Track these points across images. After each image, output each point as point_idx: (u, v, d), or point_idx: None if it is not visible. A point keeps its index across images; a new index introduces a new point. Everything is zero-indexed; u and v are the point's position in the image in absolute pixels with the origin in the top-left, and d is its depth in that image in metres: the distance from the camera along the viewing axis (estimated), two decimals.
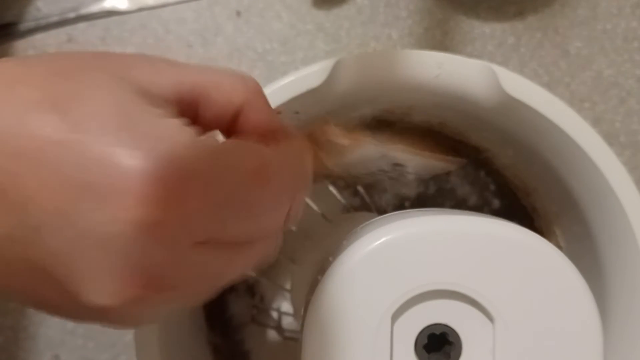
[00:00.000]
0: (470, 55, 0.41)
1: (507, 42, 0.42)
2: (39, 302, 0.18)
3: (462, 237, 0.24)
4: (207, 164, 0.17)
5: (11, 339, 0.41)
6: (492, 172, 0.40)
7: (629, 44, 0.43)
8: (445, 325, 0.24)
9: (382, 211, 0.40)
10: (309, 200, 0.38)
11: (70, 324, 0.41)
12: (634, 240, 0.30)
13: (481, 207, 0.40)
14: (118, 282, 0.16)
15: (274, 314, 0.40)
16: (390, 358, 0.24)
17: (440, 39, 0.42)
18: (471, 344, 0.24)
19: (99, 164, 0.15)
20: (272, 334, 0.40)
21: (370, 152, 0.32)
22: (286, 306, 0.40)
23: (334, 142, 0.31)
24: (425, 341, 0.24)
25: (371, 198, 0.40)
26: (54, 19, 0.42)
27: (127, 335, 0.41)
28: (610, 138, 0.42)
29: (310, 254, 0.36)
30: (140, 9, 0.42)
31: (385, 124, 0.36)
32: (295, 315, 0.39)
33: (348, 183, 0.40)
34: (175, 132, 0.17)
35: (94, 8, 0.42)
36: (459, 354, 0.24)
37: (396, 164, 0.34)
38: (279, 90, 0.29)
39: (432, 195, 0.40)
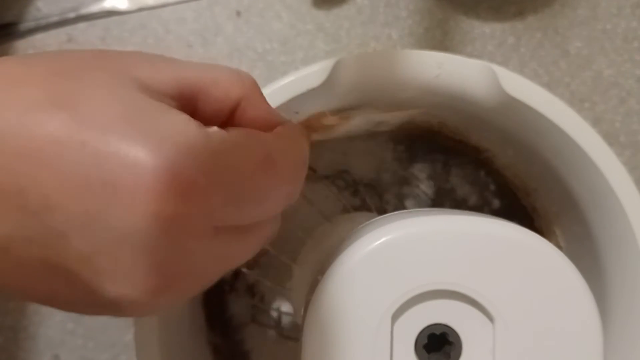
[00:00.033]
0: (470, 55, 0.41)
1: (507, 42, 0.42)
2: (54, 299, 0.18)
3: (462, 237, 0.24)
4: (218, 153, 0.17)
5: (11, 339, 0.41)
6: (492, 172, 0.40)
7: (629, 44, 0.43)
8: (445, 325, 0.24)
9: (382, 211, 0.40)
10: (309, 201, 0.38)
11: (70, 324, 0.41)
12: (634, 241, 0.30)
13: (481, 207, 0.40)
14: (146, 277, 0.16)
15: (274, 314, 0.40)
16: (390, 358, 0.24)
17: (440, 39, 0.42)
18: (471, 344, 0.24)
19: (114, 160, 0.16)
20: (272, 334, 0.40)
21: (358, 121, 0.33)
22: (286, 306, 0.40)
23: (324, 124, 0.32)
24: (425, 341, 0.24)
25: (371, 198, 0.40)
26: (54, 19, 0.42)
27: (127, 335, 0.41)
28: (610, 138, 0.42)
29: (310, 254, 0.36)
30: (140, 9, 0.42)
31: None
32: (295, 315, 0.39)
33: (348, 183, 0.40)
34: (184, 125, 0.17)
35: (94, 8, 0.42)
36: (459, 354, 0.24)
37: (378, 122, 0.35)
38: (279, 90, 0.29)
39: (432, 195, 0.40)
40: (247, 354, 0.40)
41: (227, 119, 0.20)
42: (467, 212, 0.27)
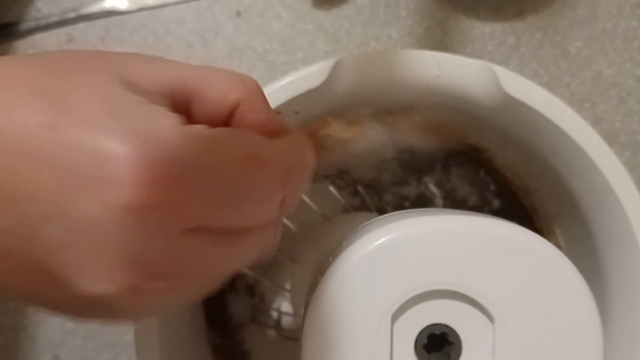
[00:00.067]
0: (470, 55, 0.41)
1: (507, 42, 0.42)
2: (37, 298, 0.18)
3: (462, 237, 0.24)
4: (194, 147, 0.17)
5: (11, 339, 0.41)
6: (492, 172, 0.40)
7: (629, 44, 0.43)
8: (445, 325, 0.24)
9: (382, 211, 0.40)
10: (309, 201, 0.38)
11: (70, 324, 0.41)
12: (634, 241, 0.30)
13: (481, 207, 0.40)
14: (111, 269, 0.16)
15: (274, 314, 0.40)
16: (390, 358, 0.24)
17: (440, 39, 0.42)
18: (471, 344, 0.24)
19: (86, 151, 0.16)
20: (272, 334, 0.40)
21: (374, 140, 0.32)
22: (286, 306, 0.40)
23: (336, 136, 0.31)
24: (425, 341, 0.24)
25: (371, 198, 0.40)
26: (54, 19, 0.42)
27: (127, 335, 0.41)
28: (610, 138, 0.42)
29: (310, 254, 0.36)
30: (140, 9, 0.42)
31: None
32: (295, 315, 0.39)
33: (348, 182, 0.40)
34: (158, 117, 0.17)
35: (94, 8, 0.42)
36: (459, 354, 0.24)
37: (403, 150, 0.34)
38: (279, 90, 0.29)
39: (432, 195, 0.40)
40: (247, 354, 0.40)
41: (225, 122, 0.20)
42: (467, 212, 0.27)
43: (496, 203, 0.40)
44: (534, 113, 0.30)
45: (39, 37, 0.42)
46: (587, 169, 0.30)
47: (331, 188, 0.39)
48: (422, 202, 0.40)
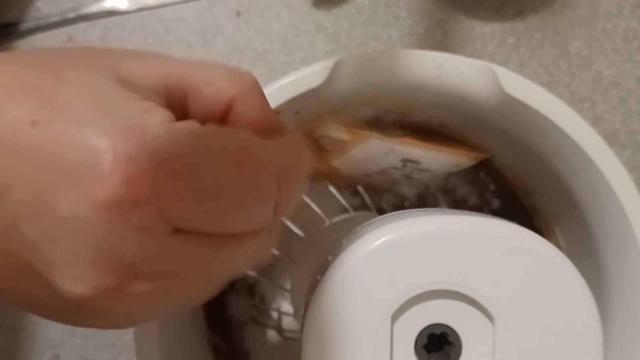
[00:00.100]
0: (470, 55, 0.41)
1: (507, 42, 0.42)
2: (28, 300, 0.17)
3: (462, 237, 0.24)
4: (181, 145, 0.16)
5: (11, 339, 0.41)
6: (492, 172, 0.40)
7: (629, 44, 0.43)
8: (445, 325, 0.24)
9: (382, 211, 0.40)
10: (309, 201, 0.38)
11: None
12: (634, 241, 0.30)
13: (481, 207, 0.40)
14: (91, 268, 0.16)
15: (274, 314, 0.40)
16: (390, 358, 0.24)
17: (440, 39, 0.42)
18: (471, 344, 0.24)
19: (70, 146, 0.15)
20: (272, 334, 0.40)
21: (375, 147, 0.32)
22: (286, 306, 0.40)
23: (334, 137, 0.31)
24: (425, 341, 0.24)
25: (371, 198, 0.40)
26: (54, 19, 0.42)
27: (127, 335, 0.41)
28: (610, 138, 0.42)
29: (310, 254, 0.36)
30: (140, 9, 0.42)
31: (389, 123, 0.35)
32: (295, 315, 0.39)
33: (348, 183, 0.40)
34: (144, 113, 0.16)
35: (94, 8, 0.42)
36: (459, 354, 0.24)
37: (407, 160, 0.33)
38: (279, 90, 0.29)
39: (432, 195, 0.40)
40: (247, 354, 0.40)
41: (222, 119, 0.19)
42: (467, 212, 0.27)
43: (496, 203, 0.40)
44: (534, 113, 0.30)
45: (39, 37, 0.42)
46: (587, 169, 0.30)
47: (331, 188, 0.39)
48: (422, 202, 0.40)
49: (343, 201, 0.40)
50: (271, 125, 0.20)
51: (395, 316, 0.24)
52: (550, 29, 0.42)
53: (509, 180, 0.39)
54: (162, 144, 0.16)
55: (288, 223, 0.38)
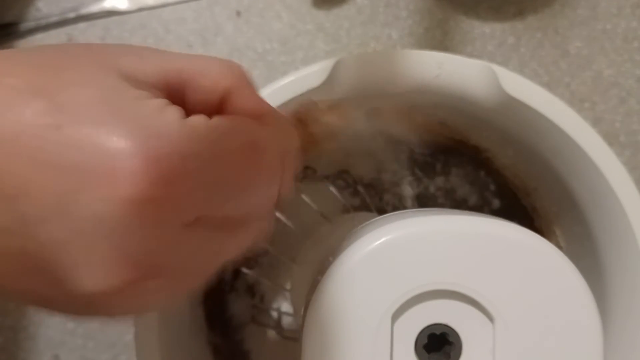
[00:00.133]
0: (470, 55, 0.41)
1: (507, 42, 0.42)
2: (35, 298, 0.18)
3: (462, 237, 0.24)
4: (193, 140, 0.17)
5: (11, 339, 0.41)
6: (492, 172, 0.40)
7: (629, 44, 0.43)
8: (445, 325, 0.24)
9: (382, 211, 0.40)
10: (309, 200, 0.38)
11: (70, 324, 0.41)
12: (634, 241, 0.30)
13: (481, 207, 0.40)
14: (110, 265, 0.16)
15: (274, 314, 0.40)
16: (390, 358, 0.24)
17: (440, 39, 0.42)
18: (471, 344, 0.24)
19: (86, 145, 0.16)
20: (272, 334, 0.40)
21: (363, 130, 0.32)
22: (286, 306, 0.40)
23: (322, 121, 0.31)
24: (425, 341, 0.24)
25: (371, 198, 0.40)
26: (54, 19, 0.42)
27: (127, 335, 0.41)
28: (610, 138, 0.42)
29: (310, 254, 0.36)
30: (140, 9, 0.42)
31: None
32: (295, 315, 0.39)
33: (348, 182, 0.40)
34: (159, 112, 0.17)
35: (94, 8, 0.42)
36: (459, 354, 0.24)
37: (391, 139, 0.34)
38: (279, 90, 0.29)
39: (432, 195, 0.40)
40: (247, 354, 0.40)
41: (217, 109, 0.20)
42: (467, 212, 0.27)
43: (496, 203, 0.40)
44: (534, 113, 0.30)
45: (39, 37, 0.42)
46: (587, 169, 0.30)
47: (331, 188, 0.39)
48: (422, 202, 0.40)
49: (343, 201, 0.40)
50: (264, 110, 0.20)
51: (395, 316, 0.24)
52: (550, 29, 0.42)
53: (509, 180, 0.39)
54: (177, 140, 0.16)
55: (289, 223, 0.38)
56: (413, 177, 0.40)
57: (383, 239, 0.24)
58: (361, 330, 0.24)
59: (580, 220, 0.34)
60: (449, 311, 0.24)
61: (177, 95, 0.19)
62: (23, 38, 0.42)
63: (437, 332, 0.24)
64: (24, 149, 0.16)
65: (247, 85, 0.20)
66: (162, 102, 0.17)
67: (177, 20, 0.42)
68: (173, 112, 0.17)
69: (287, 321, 0.40)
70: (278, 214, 0.39)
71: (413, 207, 0.40)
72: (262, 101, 0.21)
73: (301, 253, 0.38)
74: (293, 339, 0.39)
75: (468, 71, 0.30)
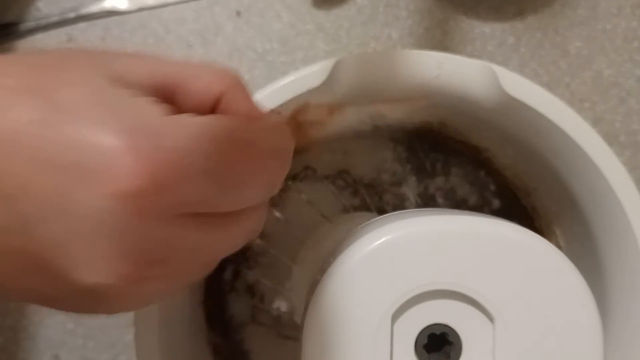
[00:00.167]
0: (470, 55, 0.41)
1: (507, 42, 0.42)
2: (34, 295, 0.18)
3: (462, 237, 0.24)
4: (183, 134, 0.17)
5: (11, 339, 0.41)
6: (492, 172, 0.40)
7: (629, 44, 0.43)
8: (445, 325, 0.24)
9: (382, 211, 0.40)
10: (309, 200, 0.38)
11: (70, 324, 0.41)
12: (634, 241, 0.30)
13: (481, 207, 0.40)
14: (110, 261, 0.16)
15: (274, 314, 0.40)
16: (390, 358, 0.24)
17: (440, 39, 0.42)
18: (471, 344, 0.24)
19: (82, 146, 0.16)
20: (272, 334, 0.40)
21: (352, 118, 0.33)
22: (286, 306, 0.40)
23: (312, 120, 0.32)
24: (425, 341, 0.24)
25: (371, 198, 0.40)
26: (54, 19, 0.42)
27: (127, 335, 0.41)
28: (610, 138, 0.42)
29: (310, 254, 0.36)
30: (140, 9, 0.42)
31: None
32: (295, 315, 0.39)
33: (348, 182, 0.40)
34: (148, 108, 0.17)
35: (94, 8, 0.42)
36: (459, 354, 0.24)
37: (377, 125, 0.34)
38: (279, 90, 0.29)
39: (432, 195, 0.40)
40: (247, 354, 0.40)
41: (210, 114, 0.20)
42: (467, 212, 0.27)
43: (496, 203, 0.40)
44: (534, 113, 0.30)
45: (39, 37, 0.42)
46: (587, 169, 0.30)
47: (331, 188, 0.39)
48: (422, 202, 0.40)
49: (343, 201, 0.40)
50: (256, 114, 0.21)
51: (395, 316, 0.24)
52: (550, 29, 0.42)
53: (509, 180, 0.39)
54: (166, 135, 0.17)
55: (289, 223, 0.38)
56: (413, 177, 0.40)
57: (383, 239, 0.24)
58: (361, 330, 0.24)
59: (580, 220, 0.34)
60: (449, 311, 0.24)
61: (169, 98, 0.19)
62: (23, 38, 0.42)
63: (437, 332, 0.24)
64: (23, 149, 0.16)
65: (241, 90, 0.20)
66: (148, 99, 0.18)
67: (177, 20, 0.42)
68: (160, 108, 0.17)
69: (287, 321, 0.40)
70: (278, 214, 0.39)
71: (413, 207, 0.40)
72: (255, 106, 0.21)
73: (301, 253, 0.38)
74: (293, 339, 0.39)
75: (468, 71, 0.30)
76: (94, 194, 0.16)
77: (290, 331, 0.40)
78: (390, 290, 0.24)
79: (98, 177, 0.16)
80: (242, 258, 0.39)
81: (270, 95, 0.29)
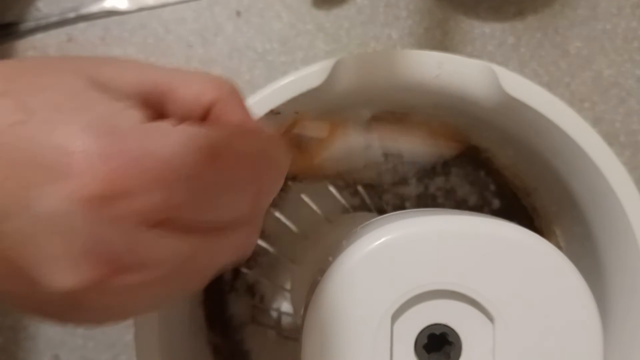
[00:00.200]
0: (470, 55, 0.41)
1: (507, 42, 0.42)
2: (15, 298, 0.18)
3: (462, 237, 0.24)
4: (155, 141, 0.17)
5: (11, 339, 0.41)
6: (492, 172, 0.40)
7: (629, 44, 0.43)
8: (445, 325, 0.24)
9: (382, 211, 0.40)
10: (309, 200, 0.38)
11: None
12: (634, 241, 0.30)
13: (481, 207, 0.40)
14: (74, 262, 0.16)
15: (274, 314, 0.40)
16: (390, 358, 0.24)
17: (440, 39, 0.42)
18: (471, 344, 0.24)
19: (48, 145, 0.16)
20: (272, 334, 0.40)
21: (354, 142, 0.32)
22: (286, 306, 0.40)
23: (310, 135, 0.31)
24: (425, 341, 0.24)
25: (371, 198, 0.40)
26: (54, 19, 0.42)
27: (127, 335, 0.41)
28: (610, 138, 0.42)
29: (310, 254, 0.36)
30: (140, 9, 0.42)
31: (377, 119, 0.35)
32: (295, 315, 0.39)
33: (348, 182, 0.40)
34: (120, 112, 0.17)
35: (94, 8, 0.42)
36: (459, 354, 0.24)
37: (388, 154, 0.34)
38: (279, 90, 0.29)
39: (432, 195, 0.40)
40: (247, 354, 0.40)
41: (200, 123, 0.19)
42: (467, 212, 0.27)
43: (496, 203, 0.40)
44: (534, 113, 0.30)
45: (39, 37, 0.42)
46: (587, 169, 0.30)
47: (331, 188, 0.39)
48: (422, 202, 0.40)
49: (343, 201, 0.40)
50: (249, 127, 0.20)
51: (395, 316, 0.24)
52: (550, 29, 0.42)
53: (509, 180, 0.39)
54: (137, 140, 0.17)
55: (288, 223, 0.38)
56: (413, 177, 0.40)
57: (383, 239, 0.24)
58: (361, 330, 0.24)
59: (580, 220, 0.34)
60: (449, 311, 0.24)
61: (156, 106, 0.19)
62: (23, 38, 0.42)
63: (437, 332, 0.24)
64: None
65: (233, 100, 0.20)
66: (122, 104, 0.17)
67: (177, 20, 0.42)
68: (135, 113, 0.17)
69: (287, 321, 0.40)
70: (278, 214, 0.39)
71: (413, 207, 0.40)
72: (248, 116, 0.20)
73: (301, 253, 0.38)
74: (293, 339, 0.39)
75: (468, 71, 0.30)
76: (57, 195, 0.16)
77: (290, 331, 0.40)
78: (390, 290, 0.24)
79: (62, 178, 0.16)
80: (250, 253, 0.39)
81: (270, 95, 0.29)
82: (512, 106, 0.30)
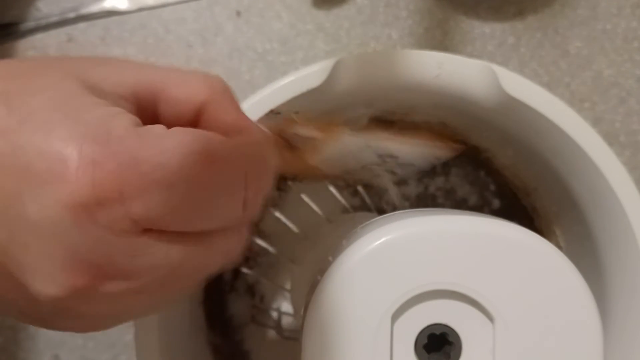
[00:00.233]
0: (470, 55, 0.41)
1: (507, 42, 0.42)
2: (7, 304, 0.18)
3: (462, 237, 0.24)
4: (146, 147, 0.17)
5: (11, 339, 0.41)
6: (492, 172, 0.40)
7: (629, 44, 0.43)
8: (445, 325, 0.24)
9: (382, 211, 0.40)
10: (309, 200, 0.38)
11: None
12: (634, 241, 0.30)
13: (481, 207, 0.40)
14: (62, 269, 0.16)
15: (274, 314, 0.40)
16: (390, 358, 0.24)
17: (440, 39, 0.42)
18: (471, 344, 0.24)
19: (37, 152, 0.16)
20: (272, 334, 0.40)
21: (348, 144, 0.32)
22: (286, 306, 0.40)
23: (305, 136, 0.31)
24: (425, 341, 0.24)
25: (371, 198, 0.40)
26: (54, 19, 0.42)
27: (127, 335, 0.41)
28: (610, 138, 0.42)
29: (310, 254, 0.36)
30: (140, 9, 0.42)
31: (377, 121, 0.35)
32: (295, 315, 0.39)
33: (348, 183, 0.40)
34: (110, 118, 0.17)
35: (94, 8, 0.42)
36: (459, 354, 0.24)
37: (385, 155, 0.34)
38: (279, 90, 0.29)
39: (432, 195, 0.40)
40: (247, 354, 0.40)
41: (193, 124, 0.19)
42: (467, 212, 0.27)
43: (496, 203, 0.40)
44: (534, 113, 0.30)
45: (39, 37, 0.42)
46: (587, 169, 0.30)
47: (331, 188, 0.39)
48: (422, 202, 0.40)
49: (343, 201, 0.40)
50: (242, 126, 0.20)
51: (395, 316, 0.24)
52: (550, 29, 0.42)
53: (509, 180, 0.39)
54: (127, 147, 0.16)
55: (288, 223, 0.38)
56: (413, 177, 0.40)
57: (383, 239, 0.24)
58: (361, 330, 0.24)
59: (580, 220, 0.34)
60: (449, 311, 0.24)
61: (149, 108, 0.19)
62: (23, 38, 0.42)
63: (437, 332, 0.24)
64: None
65: (226, 99, 0.20)
66: (115, 109, 0.17)
67: (177, 20, 0.42)
68: (124, 118, 0.17)
69: (287, 321, 0.40)
70: (278, 214, 0.39)
71: (413, 207, 0.40)
72: (241, 116, 0.20)
73: (301, 253, 0.38)
74: (293, 339, 0.39)
75: (468, 71, 0.30)
76: (45, 201, 0.16)
77: (290, 331, 0.40)
78: (390, 290, 0.24)
79: (50, 185, 0.16)
80: (242, 258, 0.39)
81: (270, 95, 0.29)
82: (512, 106, 0.30)
